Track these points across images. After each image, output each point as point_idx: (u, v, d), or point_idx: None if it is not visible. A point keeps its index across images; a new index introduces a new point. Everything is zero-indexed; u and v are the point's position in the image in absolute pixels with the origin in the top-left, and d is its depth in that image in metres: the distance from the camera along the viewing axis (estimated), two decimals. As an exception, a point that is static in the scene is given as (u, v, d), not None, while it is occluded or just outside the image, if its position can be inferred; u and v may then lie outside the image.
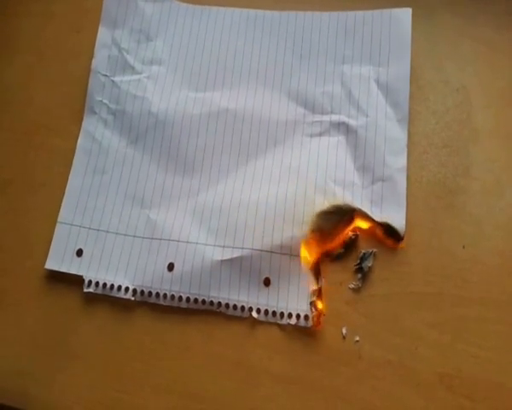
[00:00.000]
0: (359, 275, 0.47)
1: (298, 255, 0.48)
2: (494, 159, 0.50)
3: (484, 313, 0.45)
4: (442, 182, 0.50)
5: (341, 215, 0.48)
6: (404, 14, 0.53)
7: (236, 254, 0.48)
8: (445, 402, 0.43)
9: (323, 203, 0.49)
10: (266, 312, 0.47)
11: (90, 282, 0.50)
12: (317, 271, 0.47)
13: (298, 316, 0.47)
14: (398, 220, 0.48)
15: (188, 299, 0.48)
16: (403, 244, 0.48)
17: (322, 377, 0.45)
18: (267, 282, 0.48)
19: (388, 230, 0.47)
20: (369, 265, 0.47)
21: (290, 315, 0.47)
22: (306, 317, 0.46)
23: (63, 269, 0.50)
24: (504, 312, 0.45)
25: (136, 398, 0.46)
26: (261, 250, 0.48)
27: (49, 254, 0.51)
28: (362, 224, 0.48)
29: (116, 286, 0.49)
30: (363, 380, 0.45)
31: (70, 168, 0.54)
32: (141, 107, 0.55)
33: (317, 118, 0.52)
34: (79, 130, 0.55)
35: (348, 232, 0.48)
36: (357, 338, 0.46)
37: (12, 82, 0.59)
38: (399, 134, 0.51)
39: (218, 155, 0.53)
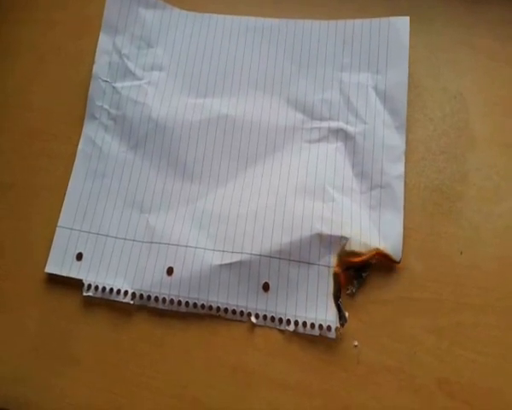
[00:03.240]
0: (355, 281, 0.48)
1: (297, 261, 0.48)
2: (491, 165, 0.50)
3: (482, 318, 0.46)
4: (440, 188, 0.50)
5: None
6: (402, 23, 0.54)
7: (235, 258, 0.48)
8: (443, 408, 0.44)
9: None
10: (265, 317, 0.47)
11: (89, 285, 0.50)
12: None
13: (296, 323, 0.47)
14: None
15: (187, 303, 0.48)
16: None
17: (321, 382, 0.45)
18: (266, 287, 0.48)
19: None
20: (366, 274, 0.48)
21: (288, 322, 0.47)
22: (304, 324, 0.47)
23: (63, 273, 0.50)
24: (502, 317, 0.46)
25: (135, 402, 0.46)
26: (260, 255, 0.48)
27: (49, 258, 0.51)
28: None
29: (115, 290, 0.49)
30: (361, 385, 0.45)
31: (70, 173, 0.54)
32: (141, 112, 0.55)
33: (316, 124, 0.53)
34: (80, 135, 0.55)
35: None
36: (356, 343, 0.46)
37: (13, 87, 0.59)
38: (397, 141, 0.51)
39: (218, 161, 0.53)
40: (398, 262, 0.47)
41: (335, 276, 0.47)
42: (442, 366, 0.45)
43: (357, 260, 0.47)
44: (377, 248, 0.47)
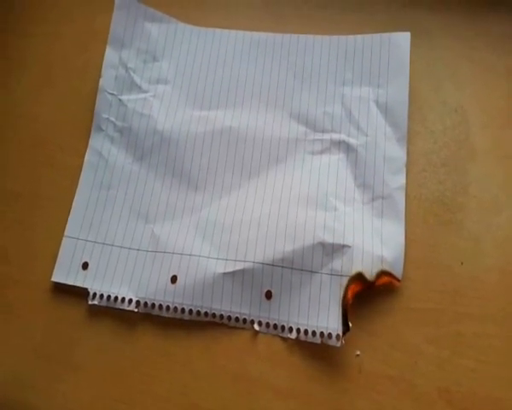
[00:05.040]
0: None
1: (299, 269, 0.48)
2: (491, 177, 0.51)
3: (482, 328, 0.46)
4: (440, 200, 0.51)
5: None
6: (403, 39, 0.54)
7: (239, 266, 0.49)
8: (444, 416, 0.44)
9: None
10: (268, 324, 0.48)
11: (94, 294, 0.50)
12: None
13: (298, 330, 0.47)
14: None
15: (190, 311, 0.48)
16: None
17: (323, 391, 0.46)
18: (269, 295, 0.48)
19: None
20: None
21: (291, 329, 0.47)
22: (306, 331, 0.47)
23: (69, 282, 0.51)
24: (502, 327, 0.46)
25: (137, 409, 0.47)
26: (263, 263, 0.48)
27: (55, 267, 0.51)
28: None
29: (120, 298, 0.50)
30: (363, 394, 0.45)
31: (76, 183, 0.55)
32: (146, 124, 0.56)
33: (318, 136, 0.54)
34: (86, 147, 0.56)
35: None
36: (358, 352, 0.46)
37: (21, 99, 0.60)
38: (398, 153, 0.52)
39: (222, 172, 0.54)
40: (399, 281, 0.48)
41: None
42: (442, 374, 0.45)
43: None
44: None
